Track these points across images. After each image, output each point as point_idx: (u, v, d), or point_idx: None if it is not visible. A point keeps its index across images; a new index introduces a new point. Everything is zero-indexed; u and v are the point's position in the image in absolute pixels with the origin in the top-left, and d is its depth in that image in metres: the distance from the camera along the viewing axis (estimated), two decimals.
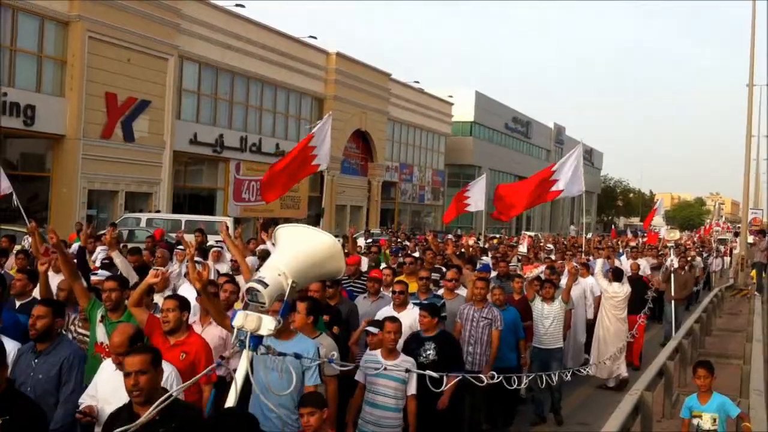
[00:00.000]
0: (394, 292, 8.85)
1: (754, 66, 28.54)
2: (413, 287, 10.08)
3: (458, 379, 7.33)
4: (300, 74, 41.50)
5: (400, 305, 8.73)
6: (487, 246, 21.06)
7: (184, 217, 26.17)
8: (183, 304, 6.23)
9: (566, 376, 7.44)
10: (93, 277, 8.17)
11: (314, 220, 43.01)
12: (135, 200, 31.13)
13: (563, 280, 12.27)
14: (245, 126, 38.32)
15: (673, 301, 16.24)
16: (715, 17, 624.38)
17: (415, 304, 8.78)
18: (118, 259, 9.47)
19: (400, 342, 7.95)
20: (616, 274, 13.45)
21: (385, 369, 6.40)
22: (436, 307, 8.12)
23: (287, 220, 41.08)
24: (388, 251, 16.23)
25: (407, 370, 6.66)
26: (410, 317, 8.40)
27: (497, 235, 34.81)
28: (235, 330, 3.93)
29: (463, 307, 9.22)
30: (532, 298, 10.75)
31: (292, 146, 40.15)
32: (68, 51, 27.44)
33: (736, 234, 42.09)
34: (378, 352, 7.03)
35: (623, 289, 12.94)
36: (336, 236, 5.71)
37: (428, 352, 7.70)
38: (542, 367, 10.12)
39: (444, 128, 61.06)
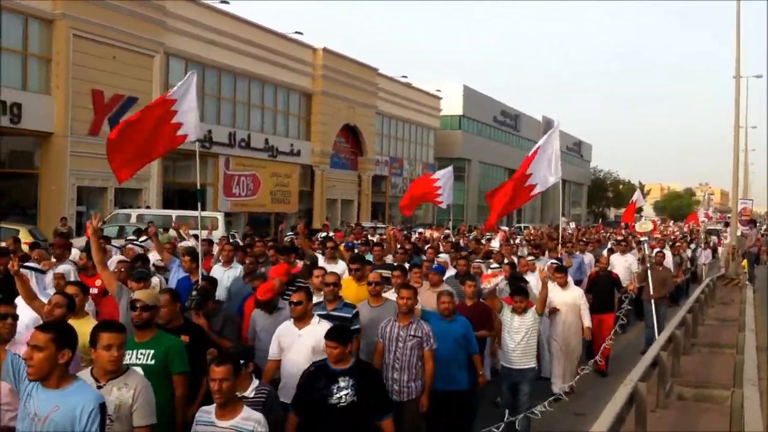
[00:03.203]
0: (290, 303, 6.91)
1: (740, 58, 28.56)
2: (361, 292, 8.44)
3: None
4: (287, 70, 41.33)
5: (299, 320, 6.79)
6: (461, 242, 19.42)
7: (174, 213, 26.09)
8: None
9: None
10: None
11: (305, 214, 42.96)
12: (125, 196, 30.98)
13: (532, 283, 10.71)
14: (234, 122, 38.13)
15: (653, 301, 14.45)
16: (703, 8, 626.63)
17: (321, 316, 7.02)
18: None
19: (292, 376, 6.33)
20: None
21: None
22: (347, 332, 6.05)
23: (278, 215, 41.03)
24: (343, 246, 13.80)
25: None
26: (314, 336, 6.57)
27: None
28: None
29: (385, 323, 7.35)
30: (500, 309, 9.03)
31: (282, 141, 41.17)
32: (53, 49, 27.32)
33: (727, 224, 42.15)
34: (213, 407, 5.05)
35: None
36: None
37: (344, 392, 5.70)
38: (512, 389, 8.88)
39: (433, 122, 61.05)
